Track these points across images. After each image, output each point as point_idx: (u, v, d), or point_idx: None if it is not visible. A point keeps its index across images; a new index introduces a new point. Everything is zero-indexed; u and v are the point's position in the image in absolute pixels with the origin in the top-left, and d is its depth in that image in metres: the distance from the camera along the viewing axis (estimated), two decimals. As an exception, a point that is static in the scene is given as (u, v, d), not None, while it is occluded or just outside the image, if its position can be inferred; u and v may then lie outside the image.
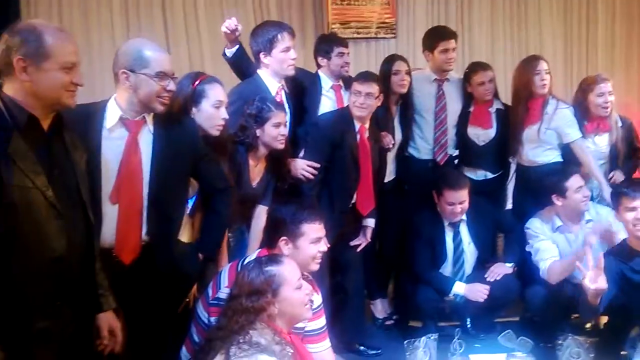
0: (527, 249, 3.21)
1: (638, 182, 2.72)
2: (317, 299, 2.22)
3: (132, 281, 1.98)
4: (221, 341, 1.78)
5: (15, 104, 1.56)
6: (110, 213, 1.95)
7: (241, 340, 1.74)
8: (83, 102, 2.08)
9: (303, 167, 2.92)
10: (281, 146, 2.64)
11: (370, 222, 3.20)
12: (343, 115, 3.07)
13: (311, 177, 2.91)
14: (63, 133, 1.69)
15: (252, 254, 2.24)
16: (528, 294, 3.20)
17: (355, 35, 5.43)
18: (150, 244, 2.01)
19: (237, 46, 2.92)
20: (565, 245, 3.11)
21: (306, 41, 5.43)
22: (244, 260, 2.16)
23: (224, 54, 2.98)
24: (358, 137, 3.07)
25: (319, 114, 3.15)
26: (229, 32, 2.86)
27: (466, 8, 5.55)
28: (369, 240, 3.22)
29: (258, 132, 2.60)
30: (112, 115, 2.00)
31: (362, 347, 3.18)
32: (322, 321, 2.22)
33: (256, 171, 2.68)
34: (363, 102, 2.99)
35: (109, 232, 1.95)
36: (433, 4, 5.54)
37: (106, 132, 1.98)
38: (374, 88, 3.01)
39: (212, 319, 2.01)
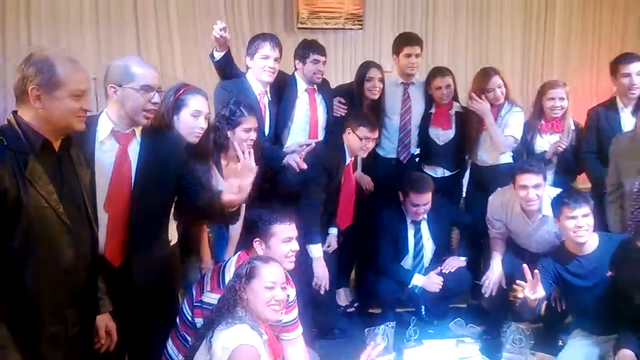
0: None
1: (578, 193, 2.92)
2: (292, 292, 2.43)
3: (121, 282, 2.13)
4: (211, 323, 2.00)
5: (30, 128, 1.70)
6: (102, 220, 2.09)
7: (228, 317, 1.96)
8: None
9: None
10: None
11: (334, 231, 3.46)
12: (341, 151, 3.30)
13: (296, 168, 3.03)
14: (70, 151, 1.84)
15: (233, 257, 2.41)
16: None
17: (324, 26, 5.56)
18: (137, 248, 2.16)
19: (226, 51, 3.09)
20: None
21: (275, 33, 5.53)
22: (225, 264, 2.34)
23: (212, 56, 3.12)
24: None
25: (293, 118, 3.35)
26: (219, 37, 3.00)
27: (430, 4, 5.72)
28: (336, 246, 3.47)
29: (229, 133, 2.73)
30: (103, 128, 2.12)
31: (337, 330, 3.47)
32: (295, 313, 2.43)
33: (228, 170, 2.78)
34: (372, 145, 3.30)
35: (101, 237, 2.07)
36: (400, -3, 5.66)
37: (98, 144, 2.11)
38: None
39: (197, 319, 2.20)
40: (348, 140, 3.26)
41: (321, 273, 3.15)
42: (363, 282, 3.70)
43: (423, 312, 3.58)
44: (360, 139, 3.22)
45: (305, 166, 2.99)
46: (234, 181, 2.14)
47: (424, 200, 3.42)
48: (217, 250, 2.77)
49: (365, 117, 3.35)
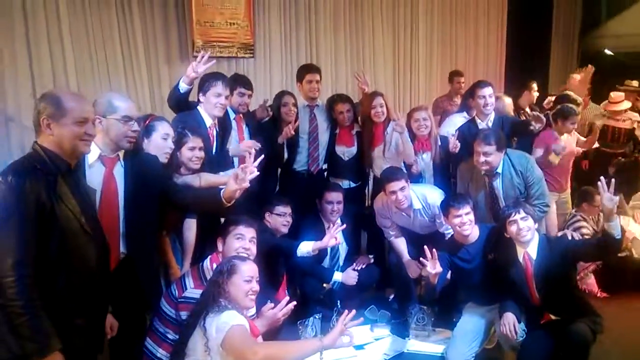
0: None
1: (461, 196, 3.60)
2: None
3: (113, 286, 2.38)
4: (199, 312, 2.33)
5: (54, 154, 1.99)
6: None
7: (214, 307, 2.31)
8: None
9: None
10: (196, 167, 3.12)
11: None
12: (267, 232, 3.69)
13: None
14: (79, 173, 2.12)
15: (206, 259, 2.78)
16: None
17: (218, 54, 5.96)
18: (129, 256, 2.46)
19: (191, 87, 3.39)
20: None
21: (171, 60, 5.89)
22: (202, 265, 2.70)
23: (177, 88, 3.38)
24: None
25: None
26: (195, 76, 3.30)
27: (314, 35, 6.42)
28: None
29: (178, 153, 3.08)
30: (92, 153, 2.39)
31: None
32: (254, 309, 2.82)
33: None
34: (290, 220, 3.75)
35: None
36: (286, 28, 6.31)
37: (87, 168, 2.39)
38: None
39: (182, 313, 2.53)
40: (270, 223, 3.74)
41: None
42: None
43: (339, 306, 4.10)
44: (280, 215, 3.72)
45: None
46: (234, 180, 2.51)
47: (337, 198, 4.01)
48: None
49: (277, 198, 3.87)
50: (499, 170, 3.69)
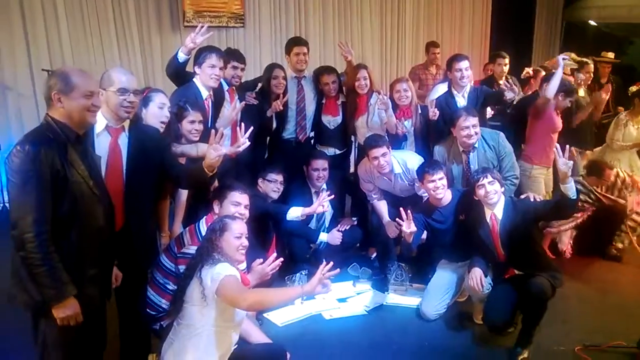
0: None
1: (435, 162, 3.85)
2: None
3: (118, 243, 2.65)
4: (195, 265, 2.62)
5: (65, 125, 2.23)
6: None
7: (208, 260, 2.60)
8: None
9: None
10: (195, 139, 3.37)
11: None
12: (261, 197, 3.99)
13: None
14: (86, 142, 2.38)
15: (202, 219, 3.07)
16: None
17: (209, 24, 6.11)
18: (133, 215, 2.71)
19: (189, 57, 3.58)
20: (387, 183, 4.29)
21: (162, 30, 6.07)
22: (198, 224, 3.00)
23: (176, 57, 3.55)
24: None
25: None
26: (193, 46, 3.51)
27: (303, 6, 6.61)
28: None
29: (179, 125, 3.34)
30: (99, 124, 2.62)
31: None
32: (245, 264, 3.13)
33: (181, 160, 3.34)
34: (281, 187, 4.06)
35: None
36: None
37: (96, 137, 2.62)
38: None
39: (180, 266, 2.83)
40: (261, 189, 4.02)
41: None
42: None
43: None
44: (271, 182, 4.00)
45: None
46: (212, 149, 2.73)
47: (322, 165, 4.30)
48: (168, 221, 3.36)
49: (270, 166, 4.15)
50: (476, 144, 3.96)
